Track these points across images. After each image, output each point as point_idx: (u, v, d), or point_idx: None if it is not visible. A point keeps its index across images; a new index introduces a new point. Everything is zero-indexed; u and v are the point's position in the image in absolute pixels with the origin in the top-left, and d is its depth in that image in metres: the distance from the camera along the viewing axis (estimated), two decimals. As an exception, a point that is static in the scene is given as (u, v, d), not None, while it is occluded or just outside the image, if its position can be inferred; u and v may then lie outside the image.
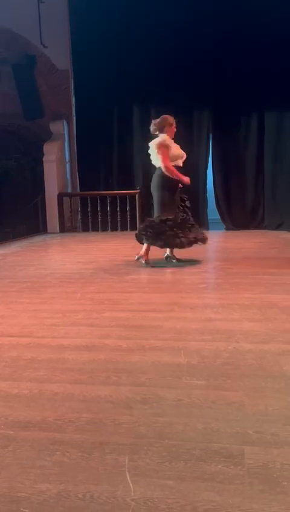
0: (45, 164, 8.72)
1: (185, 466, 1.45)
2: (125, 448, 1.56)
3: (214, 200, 8.37)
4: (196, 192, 8.31)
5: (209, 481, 1.37)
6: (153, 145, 4.75)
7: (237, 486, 1.35)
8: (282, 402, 1.83)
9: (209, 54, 7.80)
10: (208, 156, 8.29)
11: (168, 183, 4.76)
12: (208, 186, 8.36)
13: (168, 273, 4.59)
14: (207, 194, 8.36)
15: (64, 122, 8.93)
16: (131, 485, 1.36)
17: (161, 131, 4.75)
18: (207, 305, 3.32)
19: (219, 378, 2.05)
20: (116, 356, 2.34)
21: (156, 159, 4.75)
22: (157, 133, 4.79)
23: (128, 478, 1.39)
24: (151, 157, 4.85)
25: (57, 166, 8.74)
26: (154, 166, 4.88)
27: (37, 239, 7.98)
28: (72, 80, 8.67)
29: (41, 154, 8.77)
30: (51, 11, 8.20)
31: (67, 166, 9.10)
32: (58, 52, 8.52)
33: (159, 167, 4.75)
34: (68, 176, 9.13)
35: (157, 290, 3.84)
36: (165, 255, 5.07)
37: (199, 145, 8.27)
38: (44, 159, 8.72)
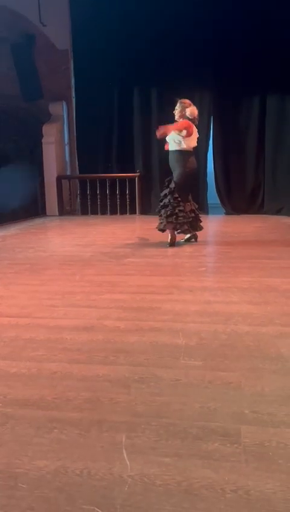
0: (44, 146, 8.63)
1: (181, 444, 1.46)
2: (122, 426, 1.57)
3: (214, 184, 8.31)
4: (196, 176, 8.26)
5: (206, 459, 1.39)
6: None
7: (233, 463, 1.36)
8: (279, 383, 1.84)
9: (211, 36, 7.67)
10: (209, 139, 8.19)
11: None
12: (208, 170, 8.29)
13: (167, 257, 4.58)
14: (207, 178, 8.29)
15: (64, 104, 8.80)
16: (128, 462, 1.38)
17: None
18: (206, 288, 3.32)
19: (216, 359, 2.06)
20: (114, 337, 2.35)
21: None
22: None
23: (125, 455, 1.41)
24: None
25: (56, 148, 8.66)
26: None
27: (37, 221, 7.95)
28: (72, 60, 8.53)
29: (40, 136, 8.67)
30: (50, -12, 8.01)
31: (66, 148, 9.00)
32: (57, 32, 8.35)
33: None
34: (67, 159, 9.05)
35: (156, 273, 3.83)
36: (187, 236, 5.19)
37: (200, 128, 8.05)
38: (43, 140, 8.63)
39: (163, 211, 4.97)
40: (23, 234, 6.46)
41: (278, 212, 7.82)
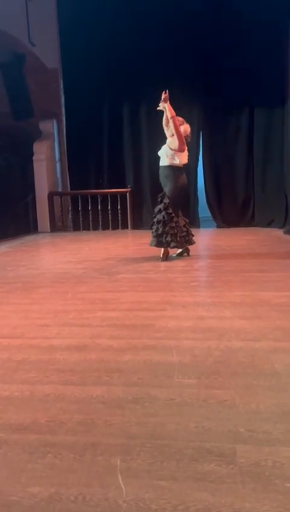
0: (35, 163, 8.67)
1: (177, 466, 1.45)
2: (117, 449, 1.55)
3: (205, 198, 8.38)
4: (187, 191, 8.34)
5: (202, 481, 1.37)
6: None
7: (229, 485, 1.35)
8: (273, 399, 1.83)
9: (200, 53, 7.81)
10: (199, 155, 8.29)
11: None
12: (198, 184, 8.37)
13: (160, 272, 4.58)
14: (198, 192, 8.36)
15: (54, 121, 8.87)
16: (123, 486, 1.36)
17: None
18: (199, 303, 3.32)
19: (210, 377, 2.05)
20: (107, 356, 2.33)
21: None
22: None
23: (120, 479, 1.39)
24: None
25: (47, 165, 8.70)
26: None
27: (28, 238, 7.94)
28: (62, 78, 8.63)
29: (31, 153, 8.71)
30: (39, 9, 8.14)
31: (58, 165, 9.05)
32: (47, 51, 8.47)
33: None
34: (58, 175, 9.09)
35: (149, 289, 3.83)
36: (179, 251, 5.22)
37: (190, 143, 8.24)
38: (34, 158, 8.67)
39: (155, 227, 5.00)
40: (14, 252, 6.44)
41: (268, 224, 7.89)
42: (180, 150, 4.89)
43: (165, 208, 4.96)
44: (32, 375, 2.15)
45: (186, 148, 5.03)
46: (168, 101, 4.94)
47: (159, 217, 4.98)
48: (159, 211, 5.01)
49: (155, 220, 5.04)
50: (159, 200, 5.09)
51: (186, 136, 5.00)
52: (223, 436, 1.59)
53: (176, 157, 4.92)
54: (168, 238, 4.93)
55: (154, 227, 5.02)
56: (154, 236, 5.02)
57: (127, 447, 1.55)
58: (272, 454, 1.48)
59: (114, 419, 1.73)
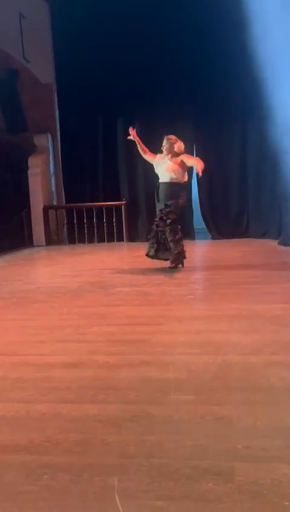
0: (30, 177, 8.70)
1: (175, 486, 1.43)
2: (114, 469, 1.53)
3: (199, 210, 8.44)
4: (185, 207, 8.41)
5: (200, 500, 1.36)
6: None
7: (227, 505, 1.34)
8: (270, 415, 1.83)
9: (193, 67, 7.91)
10: (193, 167, 8.33)
11: None
12: (193, 196, 8.42)
13: (155, 285, 4.58)
14: (192, 205, 8.42)
15: (49, 136, 8.93)
16: (120, 508, 1.34)
17: None
18: (195, 317, 3.32)
19: (207, 393, 2.04)
20: (104, 373, 2.32)
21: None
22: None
23: (118, 501, 1.37)
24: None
25: (42, 179, 8.73)
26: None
27: (23, 252, 7.93)
28: (56, 93, 8.71)
29: (26, 168, 8.75)
30: (33, 26, 8.24)
31: (52, 179, 9.09)
32: (41, 66, 8.56)
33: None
34: (53, 189, 9.12)
35: (145, 303, 3.83)
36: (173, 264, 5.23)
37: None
38: (29, 172, 8.71)
39: (154, 240, 5.16)
40: (9, 266, 6.42)
41: (262, 235, 7.94)
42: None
43: (170, 224, 5.09)
44: (27, 393, 2.14)
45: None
46: (136, 137, 5.28)
47: (161, 232, 5.13)
48: (161, 225, 5.13)
49: (153, 233, 5.22)
50: (163, 213, 5.13)
51: (181, 153, 5.08)
52: (220, 454, 1.58)
53: (185, 175, 5.21)
54: (161, 256, 5.18)
55: (153, 240, 5.18)
56: (150, 247, 5.18)
57: (124, 467, 1.54)
58: (270, 471, 1.47)
59: (111, 438, 1.72)
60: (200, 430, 1.75)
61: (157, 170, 5.22)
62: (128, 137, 5.39)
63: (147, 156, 5.31)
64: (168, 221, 5.06)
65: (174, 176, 5.10)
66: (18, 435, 1.78)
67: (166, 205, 5.11)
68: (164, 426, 1.79)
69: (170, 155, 5.11)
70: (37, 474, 1.52)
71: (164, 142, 5.15)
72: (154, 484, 1.44)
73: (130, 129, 5.33)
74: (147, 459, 1.57)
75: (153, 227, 5.31)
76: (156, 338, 2.81)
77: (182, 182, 5.21)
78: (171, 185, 5.13)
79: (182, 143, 5.19)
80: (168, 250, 5.09)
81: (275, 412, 1.86)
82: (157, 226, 5.17)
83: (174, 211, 5.10)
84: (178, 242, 5.08)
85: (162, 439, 1.69)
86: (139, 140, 5.32)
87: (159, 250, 5.17)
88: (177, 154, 5.09)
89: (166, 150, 5.14)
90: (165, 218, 5.08)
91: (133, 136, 5.30)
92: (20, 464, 1.59)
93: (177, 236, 5.08)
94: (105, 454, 1.62)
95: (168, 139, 5.13)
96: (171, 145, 5.10)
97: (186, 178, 5.26)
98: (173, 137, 5.16)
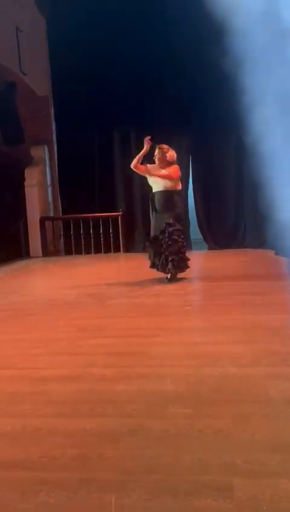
0: (26, 189, 8.72)
1: (173, 502, 1.41)
2: (111, 485, 1.51)
3: (196, 221, 8.46)
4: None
5: (199, 517, 1.34)
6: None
7: (226, 521, 1.32)
8: (269, 428, 1.81)
9: (189, 79, 7.99)
10: (189, 178, 8.41)
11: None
12: (189, 207, 8.46)
13: (153, 296, 4.56)
14: (189, 215, 8.44)
15: (46, 147, 8.97)
16: (118, 525, 1.32)
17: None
18: (192, 329, 3.30)
19: (205, 406, 2.02)
20: (101, 386, 2.30)
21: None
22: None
23: (115, 518, 1.35)
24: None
25: (39, 191, 8.75)
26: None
27: (20, 264, 7.90)
28: (52, 105, 8.77)
29: (22, 179, 8.77)
30: (30, 40, 8.32)
31: (49, 190, 9.11)
32: (37, 79, 8.63)
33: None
34: (50, 200, 9.14)
35: (142, 314, 3.81)
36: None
37: (180, 168, 8.37)
38: (25, 183, 8.73)
39: (154, 251, 5.10)
40: (6, 278, 6.40)
41: (259, 245, 7.95)
42: (177, 176, 5.12)
43: (169, 234, 5.03)
44: (24, 407, 2.11)
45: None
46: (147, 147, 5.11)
47: (163, 242, 5.04)
48: (162, 237, 5.05)
49: (151, 243, 5.16)
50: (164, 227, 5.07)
51: (173, 162, 5.09)
52: (219, 469, 1.56)
53: (179, 183, 5.19)
54: (160, 268, 5.10)
55: (153, 252, 5.11)
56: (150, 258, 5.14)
57: (122, 483, 1.52)
58: (270, 487, 1.45)
59: (108, 453, 1.69)
60: (199, 444, 1.73)
61: (151, 180, 5.21)
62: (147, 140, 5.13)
63: (138, 169, 5.18)
64: (171, 232, 5.01)
65: (169, 184, 5.08)
66: (14, 450, 1.75)
67: (168, 224, 5.02)
68: (162, 440, 1.77)
69: (162, 164, 5.11)
70: (34, 491, 1.50)
71: (156, 152, 5.14)
72: (152, 500, 1.42)
73: (147, 139, 5.09)
74: (145, 475, 1.55)
75: (150, 238, 5.24)
76: (154, 350, 2.80)
77: (177, 189, 5.18)
78: (166, 193, 5.10)
79: (174, 152, 5.18)
80: (169, 263, 5.03)
81: (273, 425, 1.84)
82: (157, 238, 5.10)
83: (176, 222, 5.08)
84: (178, 254, 5.02)
85: (161, 454, 1.67)
86: (143, 154, 5.14)
87: (160, 262, 5.09)
88: (169, 163, 5.09)
89: (158, 159, 5.13)
90: (169, 230, 5.02)
91: (147, 144, 5.09)
92: (16, 480, 1.57)
93: (181, 249, 5.06)
94: (102, 470, 1.60)
95: (160, 148, 5.13)
96: (164, 154, 5.09)
97: (180, 185, 5.25)
98: (165, 146, 5.16)
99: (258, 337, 2.95)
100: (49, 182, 9.08)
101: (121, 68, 8.05)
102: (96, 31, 8.12)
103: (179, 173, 5.16)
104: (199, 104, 8.04)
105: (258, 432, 1.78)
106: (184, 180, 8.34)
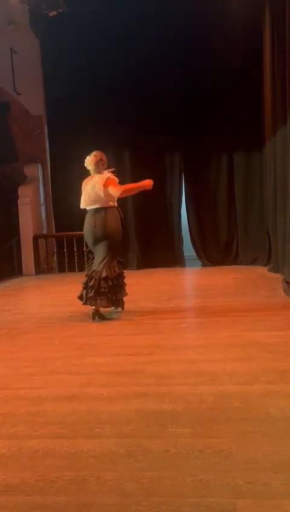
0: (19, 207, 8.71)
1: (175, 526, 1.37)
2: (111, 508, 1.47)
3: (189, 238, 8.49)
4: (171, 230, 8.48)
5: None
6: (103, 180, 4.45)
7: None
8: (271, 447, 1.78)
9: (180, 97, 8.12)
10: (181, 196, 8.47)
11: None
12: (182, 224, 8.49)
13: (148, 313, 4.53)
14: (182, 232, 8.48)
15: (39, 166, 9.01)
16: None
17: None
18: (189, 346, 3.28)
19: (205, 425, 1.99)
20: (98, 406, 2.25)
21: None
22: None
23: None
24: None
25: (32, 209, 8.74)
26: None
27: (13, 282, 7.83)
28: (46, 125, 8.84)
29: (15, 197, 8.77)
30: (24, 60, 8.44)
31: (42, 208, 9.11)
32: (31, 99, 8.71)
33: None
34: (43, 218, 9.13)
35: (137, 332, 3.78)
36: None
37: (172, 185, 8.47)
38: (19, 201, 8.72)
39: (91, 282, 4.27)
40: (-1, 296, 6.33)
41: (252, 262, 7.98)
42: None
43: (102, 260, 4.39)
44: (19, 429, 2.06)
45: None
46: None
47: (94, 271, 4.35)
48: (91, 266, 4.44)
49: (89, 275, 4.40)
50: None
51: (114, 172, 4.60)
52: (221, 490, 1.53)
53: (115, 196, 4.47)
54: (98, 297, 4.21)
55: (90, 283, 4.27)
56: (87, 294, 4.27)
57: (121, 506, 1.47)
58: (274, 508, 1.42)
59: (107, 475, 1.65)
60: (200, 464, 1.69)
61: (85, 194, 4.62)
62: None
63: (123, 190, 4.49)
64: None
65: (110, 198, 4.46)
66: (10, 474, 1.70)
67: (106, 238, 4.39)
68: (162, 461, 1.73)
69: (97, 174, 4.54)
70: (31, 517, 1.45)
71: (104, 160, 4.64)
72: (154, 525, 1.38)
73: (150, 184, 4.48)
74: (145, 498, 1.51)
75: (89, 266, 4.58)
76: (150, 368, 2.76)
77: (115, 201, 4.54)
78: (106, 210, 4.48)
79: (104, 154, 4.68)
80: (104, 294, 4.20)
81: (274, 443, 1.81)
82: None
83: (115, 243, 4.41)
84: (112, 280, 4.26)
85: (160, 475, 1.63)
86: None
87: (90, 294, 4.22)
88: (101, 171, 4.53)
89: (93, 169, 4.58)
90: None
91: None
92: (12, 505, 1.51)
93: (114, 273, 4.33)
94: (101, 493, 1.55)
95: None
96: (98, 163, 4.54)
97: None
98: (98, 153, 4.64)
99: (255, 354, 2.93)
100: (42, 200, 9.08)
101: (113, 89, 8.17)
102: (89, 52, 8.27)
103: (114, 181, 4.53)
104: (192, 119, 8.15)
105: (259, 451, 1.75)
106: (177, 196, 8.45)
